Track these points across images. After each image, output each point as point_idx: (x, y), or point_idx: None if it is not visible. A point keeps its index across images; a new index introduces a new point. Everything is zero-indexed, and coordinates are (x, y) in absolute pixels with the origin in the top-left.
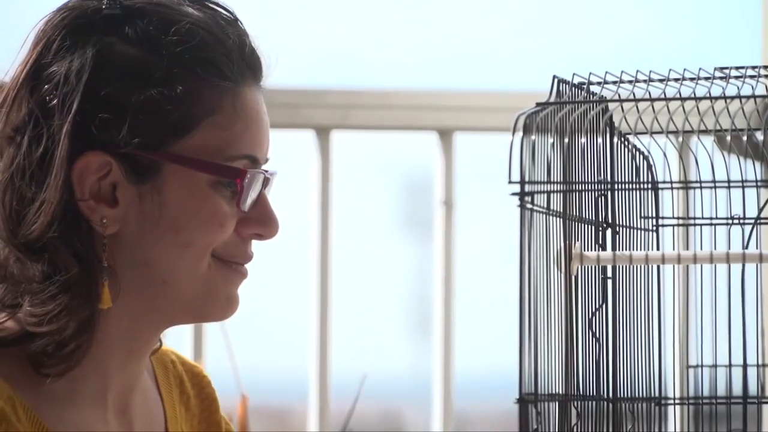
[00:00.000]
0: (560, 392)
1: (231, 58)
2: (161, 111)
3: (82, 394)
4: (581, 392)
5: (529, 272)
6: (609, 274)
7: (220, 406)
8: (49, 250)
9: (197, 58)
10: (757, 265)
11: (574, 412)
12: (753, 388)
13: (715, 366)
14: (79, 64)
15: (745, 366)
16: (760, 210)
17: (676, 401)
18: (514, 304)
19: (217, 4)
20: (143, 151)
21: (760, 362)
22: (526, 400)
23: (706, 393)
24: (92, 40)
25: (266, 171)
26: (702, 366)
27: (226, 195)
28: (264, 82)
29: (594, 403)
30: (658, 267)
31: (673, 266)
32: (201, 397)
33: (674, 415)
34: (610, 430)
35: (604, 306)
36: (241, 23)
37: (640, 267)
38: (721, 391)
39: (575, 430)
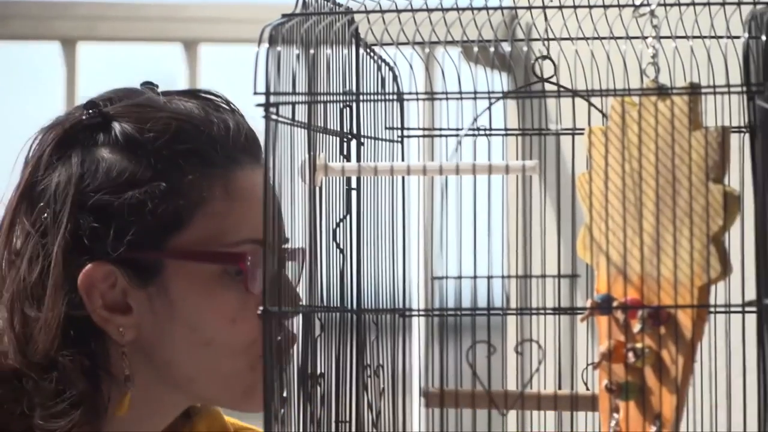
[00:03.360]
0: (304, 304)
1: (216, 144)
2: (149, 210)
3: None
4: (325, 304)
5: (273, 183)
6: (353, 185)
7: None
8: (58, 368)
9: (177, 150)
10: (503, 177)
11: (317, 323)
12: (498, 300)
13: (460, 278)
14: (66, 177)
15: (489, 278)
16: (486, 119)
17: (421, 313)
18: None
19: (206, 92)
20: (140, 253)
21: (505, 274)
22: (270, 312)
23: (450, 305)
24: (76, 151)
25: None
26: (447, 278)
27: (236, 286)
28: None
29: (338, 314)
30: (403, 178)
31: (419, 178)
32: None
33: (418, 327)
34: (354, 341)
35: (348, 217)
36: (233, 105)
37: (386, 178)
38: (466, 302)
39: (319, 341)
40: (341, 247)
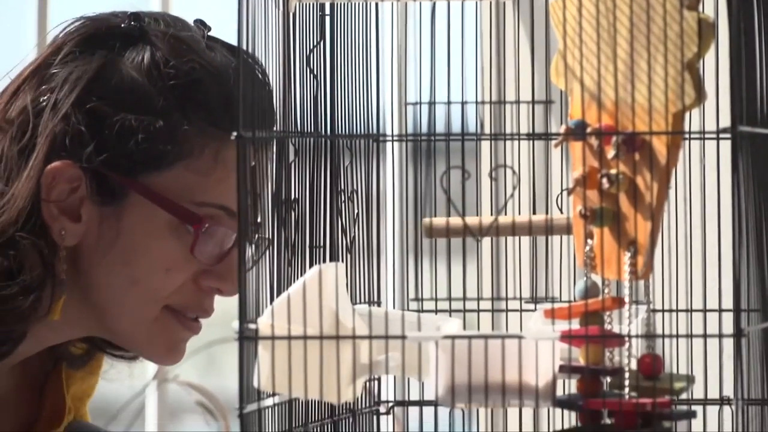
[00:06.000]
0: (278, 129)
1: (228, 106)
2: (136, 141)
3: None
4: (299, 129)
5: (247, 10)
6: (327, 11)
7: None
8: (17, 249)
9: (188, 97)
10: (476, 2)
11: (291, 148)
12: (472, 125)
13: (433, 103)
14: (80, 73)
15: (463, 103)
16: None
17: (394, 138)
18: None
19: (250, 56)
20: (112, 173)
21: (479, 99)
22: (244, 138)
23: (424, 130)
24: (101, 53)
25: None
26: (420, 103)
27: (186, 241)
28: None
29: (312, 139)
30: (377, 4)
31: (392, 3)
32: None
33: (392, 152)
34: (328, 166)
35: (322, 43)
36: (268, 78)
37: (359, 3)
38: (440, 128)
39: (293, 166)
40: (315, 72)
